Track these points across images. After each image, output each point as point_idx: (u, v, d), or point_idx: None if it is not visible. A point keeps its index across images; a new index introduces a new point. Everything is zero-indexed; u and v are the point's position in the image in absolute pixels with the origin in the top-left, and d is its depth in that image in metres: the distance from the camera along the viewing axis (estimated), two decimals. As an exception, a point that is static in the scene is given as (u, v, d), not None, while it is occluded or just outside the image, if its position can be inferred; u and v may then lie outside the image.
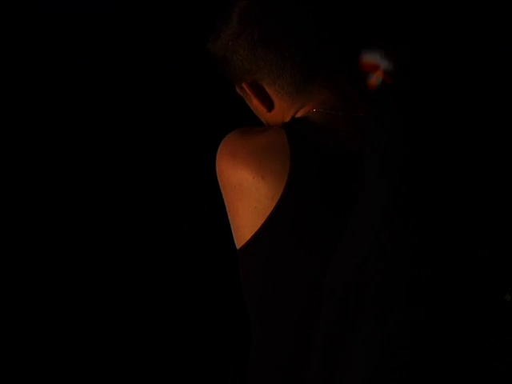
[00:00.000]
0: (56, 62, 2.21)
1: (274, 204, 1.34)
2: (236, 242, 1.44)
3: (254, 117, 1.57)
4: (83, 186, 2.25)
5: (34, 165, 2.23)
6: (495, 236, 1.29)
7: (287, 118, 1.47)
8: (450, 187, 1.27)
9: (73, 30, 2.20)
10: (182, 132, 2.29)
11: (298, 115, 1.46)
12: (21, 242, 2.23)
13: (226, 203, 1.44)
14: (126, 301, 2.27)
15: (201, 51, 1.54)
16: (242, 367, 1.51)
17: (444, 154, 1.27)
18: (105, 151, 2.28)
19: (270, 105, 1.48)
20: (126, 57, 2.26)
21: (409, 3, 1.69)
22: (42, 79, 2.22)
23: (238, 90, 1.54)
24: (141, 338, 2.28)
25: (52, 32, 2.19)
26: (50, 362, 2.23)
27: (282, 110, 1.47)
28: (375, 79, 1.43)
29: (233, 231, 1.44)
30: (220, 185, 1.44)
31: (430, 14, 1.70)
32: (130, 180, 2.29)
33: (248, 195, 1.37)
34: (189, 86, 2.28)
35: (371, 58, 1.45)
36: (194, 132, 2.28)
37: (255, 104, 1.50)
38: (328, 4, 1.48)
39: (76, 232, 2.26)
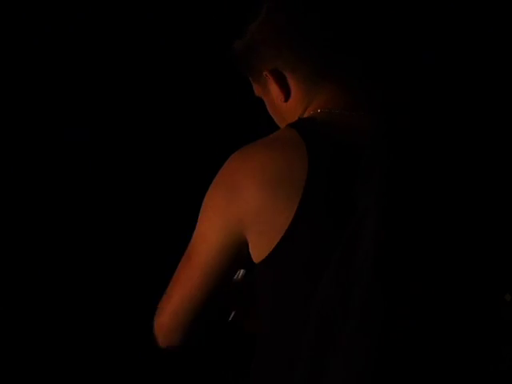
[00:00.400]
0: (55, 62, 2.22)
1: (301, 192, 1.37)
2: (263, 250, 1.42)
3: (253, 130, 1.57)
4: (83, 187, 2.26)
5: (33, 164, 2.23)
6: (494, 239, 1.32)
7: (299, 111, 1.52)
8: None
9: (72, 30, 2.21)
10: (180, 133, 2.30)
11: (306, 114, 1.51)
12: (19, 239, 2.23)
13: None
14: (126, 302, 2.28)
15: (206, 53, 1.55)
16: (240, 373, 1.50)
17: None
18: (104, 154, 2.28)
19: (287, 93, 1.52)
20: (127, 58, 2.27)
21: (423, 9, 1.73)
22: (41, 79, 2.22)
23: (255, 86, 1.58)
24: (139, 343, 2.27)
25: (52, 31, 2.20)
26: (49, 362, 2.23)
27: (297, 101, 1.52)
28: None
29: (254, 244, 1.43)
30: (234, 202, 1.42)
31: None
32: (132, 182, 2.30)
33: (281, 187, 1.38)
34: (187, 94, 2.29)
35: None
36: (192, 132, 2.29)
37: (274, 93, 1.54)
38: (349, 4, 1.53)
39: (79, 234, 2.27)
